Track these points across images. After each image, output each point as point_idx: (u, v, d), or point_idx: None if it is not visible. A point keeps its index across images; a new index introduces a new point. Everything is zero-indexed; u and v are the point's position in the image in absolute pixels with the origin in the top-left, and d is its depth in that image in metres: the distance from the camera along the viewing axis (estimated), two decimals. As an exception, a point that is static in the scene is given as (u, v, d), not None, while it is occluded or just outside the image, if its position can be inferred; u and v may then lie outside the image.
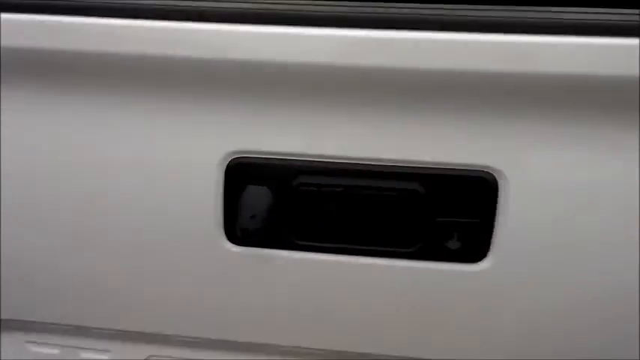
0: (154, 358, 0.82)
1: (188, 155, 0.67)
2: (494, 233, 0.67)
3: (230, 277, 0.72)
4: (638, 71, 0.57)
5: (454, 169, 0.65)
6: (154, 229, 0.70)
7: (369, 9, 0.60)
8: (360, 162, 0.65)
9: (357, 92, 0.63)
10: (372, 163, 0.65)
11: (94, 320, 0.78)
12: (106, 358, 0.83)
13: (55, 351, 0.84)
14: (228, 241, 0.70)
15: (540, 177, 0.64)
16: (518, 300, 0.71)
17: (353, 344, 0.75)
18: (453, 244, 0.68)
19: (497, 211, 0.66)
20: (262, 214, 0.67)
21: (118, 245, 0.72)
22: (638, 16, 0.57)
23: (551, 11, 0.59)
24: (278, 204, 0.67)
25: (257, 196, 0.67)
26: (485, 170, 0.65)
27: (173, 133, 0.67)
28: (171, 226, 0.70)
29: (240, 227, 0.68)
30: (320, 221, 0.68)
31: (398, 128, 0.64)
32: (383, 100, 0.63)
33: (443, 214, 0.66)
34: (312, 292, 0.72)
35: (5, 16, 0.62)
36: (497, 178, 0.65)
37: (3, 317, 0.79)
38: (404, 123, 0.64)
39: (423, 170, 0.65)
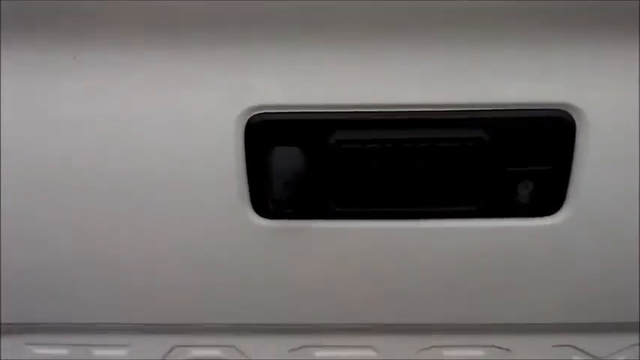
0: (180, 347, 0.73)
1: (199, 113, 0.55)
2: (570, 182, 0.56)
3: (261, 255, 0.61)
4: None
5: (524, 109, 0.54)
6: (166, 206, 0.59)
7: None
8: (412, 109, 0.54)
9: (403, 25, 0.51)
10: (426, 109, 0.54)
11: (106, 316, 0.68)
12: (125, 353, 0.73)
13: (64, 351, 0.74)
14: (256, 214, 0.59)
15: (625, 117, 0.54)
16: (596, 256, 0.61)
17: (414, 316, 0.66)
18: (523, 197, 0.57)
19: (574, 157, 0.55)
20: (295, 181, 0.55)
21: (125, 226, 0.61)
22: None
23: None
24: (313, 167, 0.56)
25: (287, 160, 0.55)
26: (562, 109, 0.53)
27: (179, 86, 0.54)
28: (186, 202, 0.58)
29: (270, 197, 0.57)
30: (366, 183, 0.57)
31: (454, 66, 0.53)
32: (436, 32, 0.51)
33: (512, 164, 0.56)
34: (362, 266, 0.62)
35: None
36: (576, 119, 0.54)
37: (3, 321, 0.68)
38: (461, 59, 0.52)
39: (487, 114, 0.54)
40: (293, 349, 0.71)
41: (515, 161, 0.56)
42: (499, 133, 0.54)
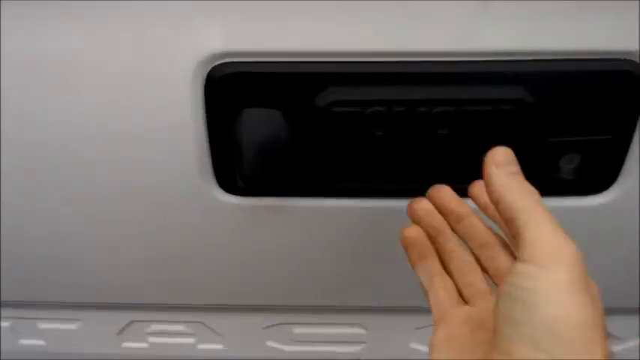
0: (137, 322, 0.63)
1: (145, 65, 0.40)
2: (627, 155, 0.44)
3: (227, 237, 0.49)
4: None
5: (578, 60, 0.40)
6: (119, 180, 0.46)
7: None
8: (429, 60, 0.40)
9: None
10: (449, 59, 0.40)
11: (60, 295, 0.57)
12: (74, 327, 0.63)
13: (6, 324, 0.63)
14: (221, 190, 0.46)
15: None
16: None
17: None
18: (566, 173, 0.45)
19: (638, 123, 0.42)
20: (269, 151, 0.42)
21: (72, 199, 0.48)
22: None
23: None
24: (295, 134, 0.42)
25: (260, 125, 0.41)
26: (628, 59, 0.39)
27: (116, 29, 0.39)
28: (141, 176, 0.45)
29: (239, 171, 0.44)
30: (367, 156, 0.44)
31: (487, 3, 0.38)
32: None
33: (556, 133, 0.42)
34: (355, 249, 0.50)
35: None
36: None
37: None
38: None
39: (531, 67, 0.40)
40: (267, 327, 0.62)
41: (560, 129, 0.42)
42: (545, 93, 0.40)
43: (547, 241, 0.28)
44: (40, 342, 0.65)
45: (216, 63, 0.40)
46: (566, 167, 0.44)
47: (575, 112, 0.42)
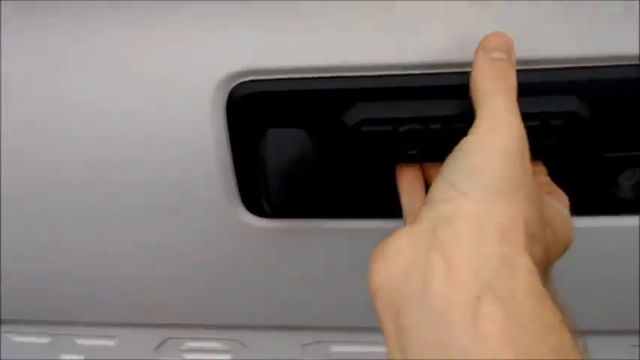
0: (173, 340, 0.62)
1: (166, 84, 0.38)
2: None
3: (254, 259, 0.47)
4: None
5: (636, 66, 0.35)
6: (147, 202, 0.44)
7: None
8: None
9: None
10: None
11: (93, 315, 0.56)
12: (112, 344, 0.63)
13: (45, 340, 0.64)
14: (247, 212, 0.44)
15: None
16: None
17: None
18: (626, 191, 0.40)
19: None
20: (296, 173, 0.39)
21: (106, 224, 0.47)
22: None
23: None
24: (323, 155, 0.39)
25: (286, 145, 0.39)
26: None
27: (141, 50, 0.38)
28: (166, 197, 0.43)
29: (265, 193, 0.41)
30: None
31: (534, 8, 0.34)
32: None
33: (616, 147, 0.38)
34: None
35: None
36: None
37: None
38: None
39: (586, 75, 0.36)
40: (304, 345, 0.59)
41: (619, 144, 0.38)
42: (603, 104, 0.36)
43: (493, 118, 0.30)
44: (80, 357, 0.65)
45: (238, 82, 0.38)
46: (625, 184, 0.40)
47: (636, 124, 0.37)
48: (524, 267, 0.25)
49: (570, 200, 0.37)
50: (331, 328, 0.56)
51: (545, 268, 0.30)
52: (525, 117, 0.36)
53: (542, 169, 0.38)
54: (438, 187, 0.29)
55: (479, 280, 0.24)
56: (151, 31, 0.37)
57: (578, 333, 0.26)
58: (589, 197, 0.40)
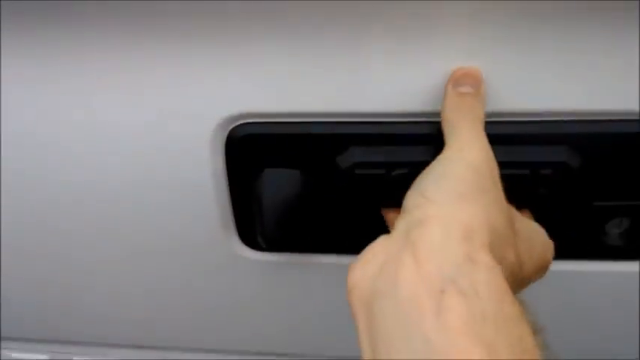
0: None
1: (168, 125, 0.40)
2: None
3: (250, 291, 0.48)
4: None
5: (626, 121, 0.37)
6: (145, 234, 0.46)
7: None
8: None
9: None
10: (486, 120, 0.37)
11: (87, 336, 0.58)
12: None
13: (44, 357, 0.65)
14: (244, 245, 0.45)
15: None
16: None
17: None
18: (613, 238, 0.41)
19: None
20: (291, 210, 0.40)
21: (103, 255, 0.48)
22: None
23: None
24: (316, 195, 0.40)
25: (281, 185, 0.40)
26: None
27: (141, 91, 0.39)
28: (165, 230, 0.45)
29: (260, 228, 0.42)
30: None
31: (531, 62, 0.35)
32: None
33: (604, 196, 0.39)
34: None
35: None
36: None
37: None
38: (542, 49, 0.34)
39: (579, 128, 0.37)
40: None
41: (607, 193, 0.39)
42: (593, 154, 0.37)
43: (460, 141, 0.32)
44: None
45: (237, 123, 0.39)
46: (613, 231, 0.41)
47: (623, 175, 0.38)
48: (484, 262, 0.26)
49: (558, 245, 0.38)
50: (323, 358, 0.56)
51: (519, 280, 0.32)
52: (516, 166, 0.37)
53: (528, 215, 0.39)
54: (410, 197, 0.31)
55: (443, 275, 0.25)
56: (157, 71, 0.38)
57: (538, 329, 0.27)
58: (577, 243, 0.41)
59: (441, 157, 0.32)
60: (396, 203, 0.39)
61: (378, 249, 0.30)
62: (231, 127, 0.39)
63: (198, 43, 0.36)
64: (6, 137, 0.42)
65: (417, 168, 0.38)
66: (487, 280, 0.26)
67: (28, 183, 0.43)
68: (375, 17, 0.35)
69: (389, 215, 0.40)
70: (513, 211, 0.34)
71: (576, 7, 0.33)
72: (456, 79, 0.35)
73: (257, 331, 0.53)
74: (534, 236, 0.35)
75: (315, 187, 0.40)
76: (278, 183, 0.40)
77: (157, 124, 0.40)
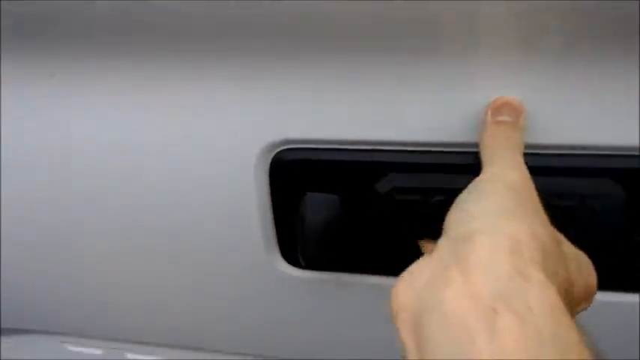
0: None
1: (216, 150, 0.42)
2: None
3: (292, 307, 0.50)
4: None
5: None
6: (191, 253, 0.49)
7: None
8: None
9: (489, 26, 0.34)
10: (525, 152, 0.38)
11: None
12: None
13: (98, 351, 0.69)
14: (286, 263, 0.47)
15: None
16: None
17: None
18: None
19: None
20: (332, 232, 0.42)
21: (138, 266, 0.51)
22: None
23: None
24: (357, 219, 0.42)
25: (323, 209, 0.42)
26: None
27: (189, 114, 0.41)
28: (209, 249, 0.47)
29: (300, 247, 0.44)
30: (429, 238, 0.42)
31: (577, 94, 0.35)
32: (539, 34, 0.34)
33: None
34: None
35: None
36: None
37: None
38: (588, 78, 0.35)
39: (621, 162, 0.37)
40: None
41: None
42: (636, 188, 0.37)
43: (498, 166, 0.33)
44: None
45: (281, 149, 0.41)
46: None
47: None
48: (536, 278, 0.25)
49: (601, 276, 0.38)
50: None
51: (570, 301, 0.29)
52: (561, 197, 0.38)
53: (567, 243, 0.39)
54: (452, 215, 0.31)
55: (492, 290, 0.24)
56: (208, 96, 0.40)
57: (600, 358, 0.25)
58: (623, 275, 0.41)
59: (478, 180, 0.32)
60: (432, 228, 0.41)
61: (424, 267, 0.29)
62: (275, 152, 0.41)
63: (249, 72, 0.38)
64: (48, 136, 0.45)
65: (454, 194, 0.39)
66: (542, 298, 0.24)
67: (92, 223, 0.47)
68: (417, 49, 0.36)
69: (427, 246, 0.40)
70: (557, 232, 0.33)
71: (624, 42, 0.33)
72: (496, 108, 0.36)
73: (295, 342, 0.55)
74: (581, 257, 0.33)
75: (353, 211, 0.41)
76: (319, 206, 0.42)
77: (205, 147, 0.42)
